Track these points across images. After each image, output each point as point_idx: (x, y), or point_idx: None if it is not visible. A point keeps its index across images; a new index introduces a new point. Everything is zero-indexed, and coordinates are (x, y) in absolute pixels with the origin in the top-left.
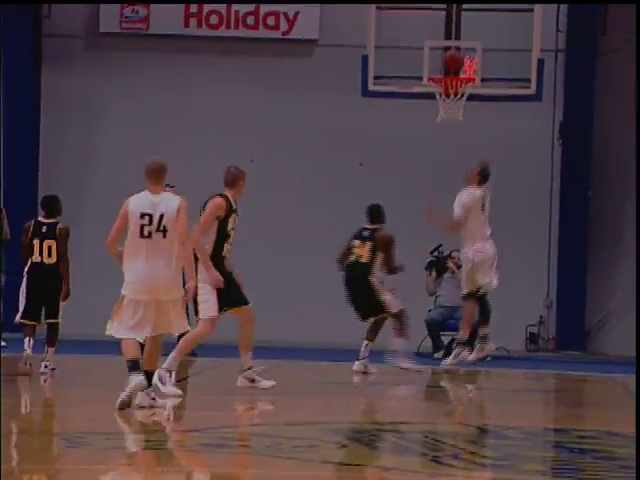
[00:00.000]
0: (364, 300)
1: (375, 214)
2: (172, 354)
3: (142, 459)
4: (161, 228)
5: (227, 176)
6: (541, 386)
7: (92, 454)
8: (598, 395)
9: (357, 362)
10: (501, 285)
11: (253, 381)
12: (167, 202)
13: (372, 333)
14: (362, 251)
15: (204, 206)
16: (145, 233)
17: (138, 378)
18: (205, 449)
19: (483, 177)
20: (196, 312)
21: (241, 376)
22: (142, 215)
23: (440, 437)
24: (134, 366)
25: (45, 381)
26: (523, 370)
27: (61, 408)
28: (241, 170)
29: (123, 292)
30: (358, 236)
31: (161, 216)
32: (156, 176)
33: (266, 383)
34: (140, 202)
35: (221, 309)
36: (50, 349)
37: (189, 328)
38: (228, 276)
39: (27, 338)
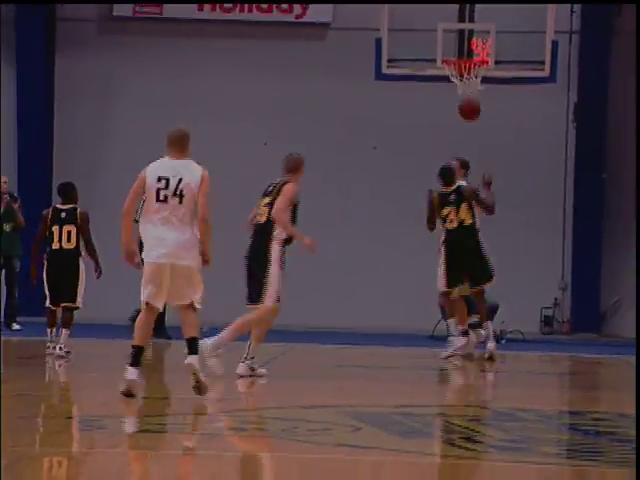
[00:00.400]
0: (477, 265)
1: (450, 176)
2: (223, 334)
3: (157, 442)
4: (178, 193)
5: (289, 163)
6: (556, 368)
7: (107, 437)
8: (613, 377)
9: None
10: (516, 268)
11: (253, 370)
12: (189, 168)
13: (482, 311)
14: (462, 214)
15: (269, 193)
16: (161, 197)
17: (131, 373)
18: (220, 432)
19: (466, 169)
20: (254, 297)
21: (244, 363)
22: (159, 178)
23: (455, 420)
24: (134, 356)
25: (60, 366)
26: (538, 353)
27: (76, 391)
28: (302, 156)
29: (143, 257)
30: (445, 203)
31: (179, 180)
32: (179, 144)
33: (261, 370)
34: (158, 166)
35: None
36: (65, 331)
37: (197, 304)
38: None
39: (49, 329)
